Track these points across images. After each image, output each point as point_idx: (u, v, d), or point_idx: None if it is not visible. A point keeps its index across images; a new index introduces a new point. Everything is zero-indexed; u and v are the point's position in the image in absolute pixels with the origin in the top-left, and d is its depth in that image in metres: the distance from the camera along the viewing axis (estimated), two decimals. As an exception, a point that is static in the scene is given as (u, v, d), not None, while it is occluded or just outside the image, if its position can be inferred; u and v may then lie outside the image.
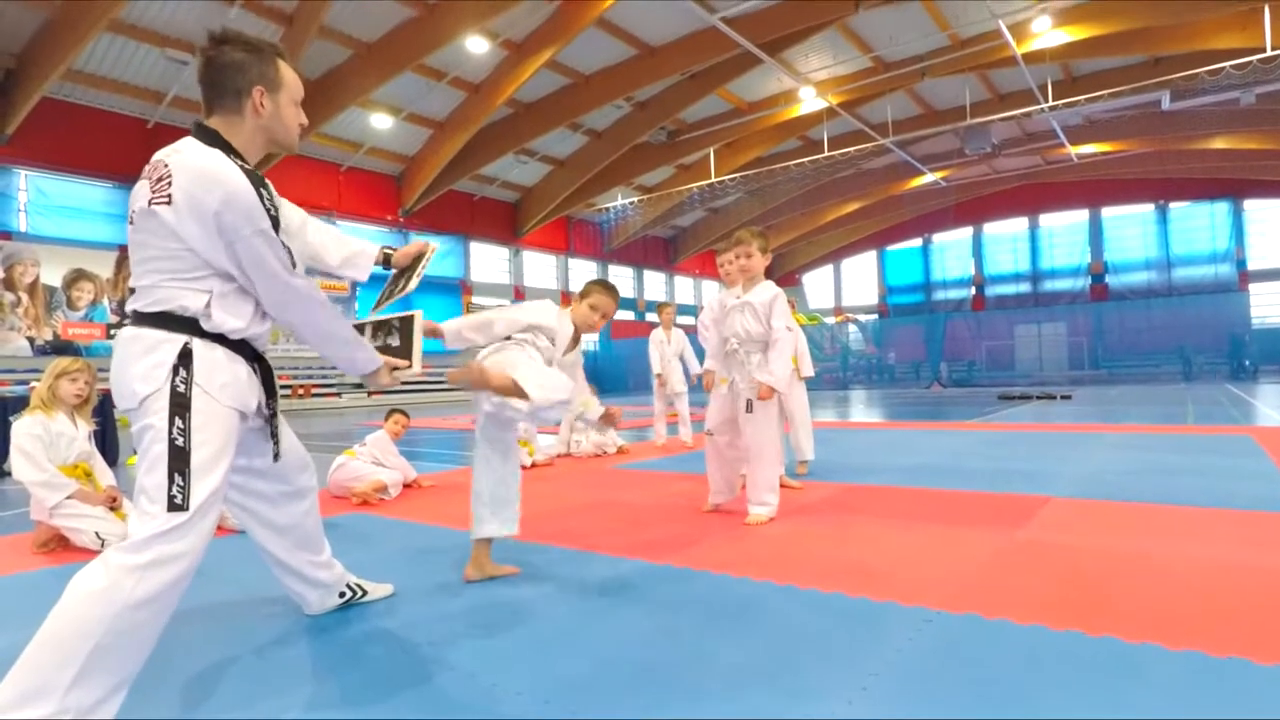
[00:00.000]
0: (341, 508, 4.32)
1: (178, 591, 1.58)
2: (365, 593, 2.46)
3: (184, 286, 1.67)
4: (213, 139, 1.73)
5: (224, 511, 3.65)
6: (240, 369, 1.75)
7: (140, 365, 1.63)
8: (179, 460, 1.57)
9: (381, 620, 2.32)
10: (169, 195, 1.64)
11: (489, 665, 1.93)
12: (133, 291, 1.74)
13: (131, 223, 1.71)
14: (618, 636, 2.13)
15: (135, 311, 1.69)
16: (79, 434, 3.54)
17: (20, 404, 6.69)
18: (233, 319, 1.72)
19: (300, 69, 14.86)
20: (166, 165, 1.67)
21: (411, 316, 2.20)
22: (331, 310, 1.87)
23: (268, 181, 1.78)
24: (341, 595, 2.37)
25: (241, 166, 1.70)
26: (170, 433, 1.58)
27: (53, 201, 14.83)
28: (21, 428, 3.36)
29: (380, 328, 2.20)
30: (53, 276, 14.59)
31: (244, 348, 1.78)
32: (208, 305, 1.68)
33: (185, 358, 1.63)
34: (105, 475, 3.63)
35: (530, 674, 1.87)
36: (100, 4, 11.51)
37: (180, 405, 1.60)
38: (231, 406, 1.71)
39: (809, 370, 5.27)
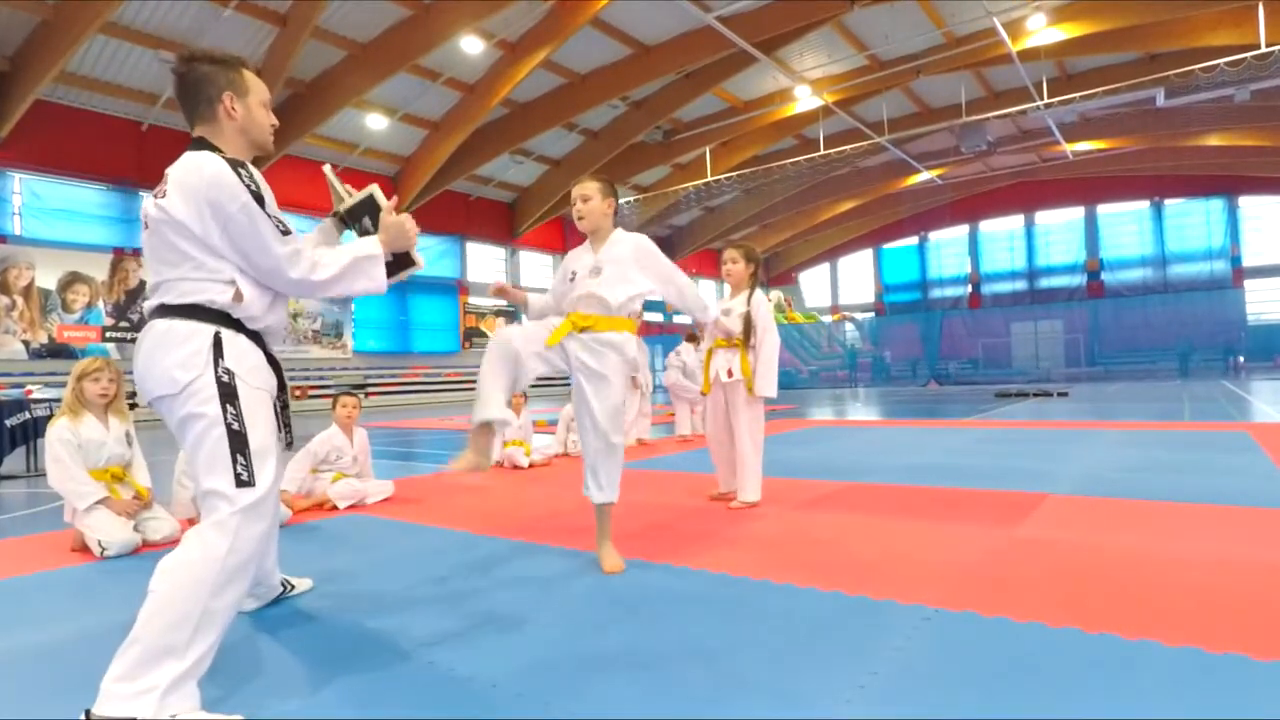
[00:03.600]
0: (333, 509, 4.31)
1: (258, 554, 1.75)
2: (294, 587, 2.60)
3: (209, 279, 1.78)
4: (201, 144, 1.87)
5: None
6: (260, 355, 1.86)
7: (177, 354, 1.73)
8: (238, 442, 1.71)
9: (377, 622, 2.31)
10: (165, 191, 1.78)
11: (486, 666, 1.93)
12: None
13: (146, 228, 1.84)
14: (616, 636, 2.12)
15: (162, 305, 1.79)
16: (109, 436, 3.55)
17: (15, 407, 6.73)
18: (252, 306, 1.83)
19: (294, 70, 14.84)
20: (166, 173, 1.83)
21: (370, 195, 2.14)
22: (323, 263, 1.88)
23: (248, 164, 1.84)
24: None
25: (222, 156, 1.81)
26: (225, 419, 1.71)
27: (47, 204, 14.74)
28: (53, 434, 3.43)
29: (348, 219, 2.19)
30: (47, 279, 14.51)
31: (259, 339, 1.88)
32: (233, 297, 1.79)
33: (217, 347, 1.75)
34: (141, 472, 3.69)
35: (528, 675, 1.87)
36: (93, 6, 11.44)
37: (229, 394, 1.73)
38: (264, 389, 1.83)
39: (769, 389, 3.92)
